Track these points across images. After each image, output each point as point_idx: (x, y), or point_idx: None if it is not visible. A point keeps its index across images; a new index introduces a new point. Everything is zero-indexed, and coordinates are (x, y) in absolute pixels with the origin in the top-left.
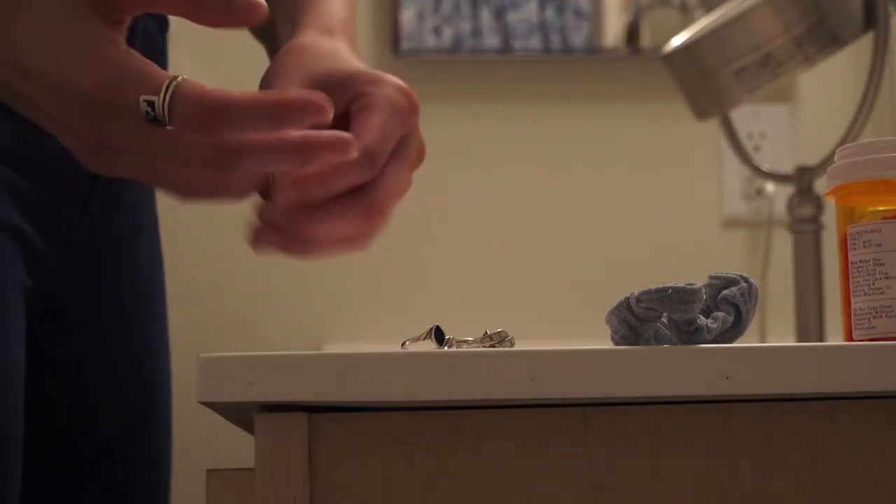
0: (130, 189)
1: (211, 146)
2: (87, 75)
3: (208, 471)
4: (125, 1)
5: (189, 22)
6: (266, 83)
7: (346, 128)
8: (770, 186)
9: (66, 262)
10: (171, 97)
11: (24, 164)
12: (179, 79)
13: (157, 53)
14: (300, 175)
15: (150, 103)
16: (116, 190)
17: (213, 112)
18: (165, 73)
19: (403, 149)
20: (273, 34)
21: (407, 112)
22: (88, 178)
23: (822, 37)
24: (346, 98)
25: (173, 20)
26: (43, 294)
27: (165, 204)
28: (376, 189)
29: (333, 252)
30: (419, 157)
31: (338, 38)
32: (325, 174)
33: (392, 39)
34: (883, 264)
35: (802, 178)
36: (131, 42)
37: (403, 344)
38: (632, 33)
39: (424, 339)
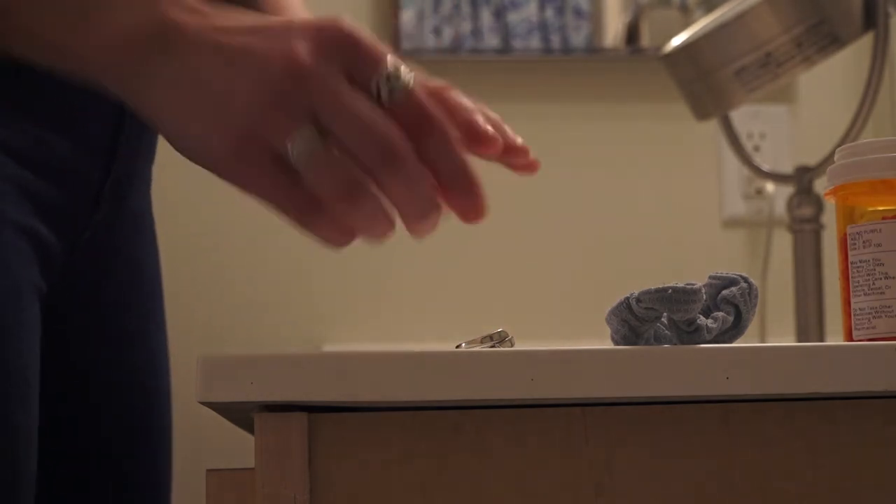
0: (135, 188)
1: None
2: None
3: (208, 471)
4: None
5: None
6: None
7: None
8: (770, 186)
9: (76, 262)
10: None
11: (39, 164)
12: None
13: None
14: None
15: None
16: (125, 189)
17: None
18: None
19: None
20: None
21: None
22: (99, 176)
23: (822, 37)
24: None
25: None
26: (53, 294)
27: (165, 203)
28: None
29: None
30: None
31: None
32: None
33: (392, 39)
34: (883, 264)
35: (802, 178)
36: None
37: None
38: (632, 33)
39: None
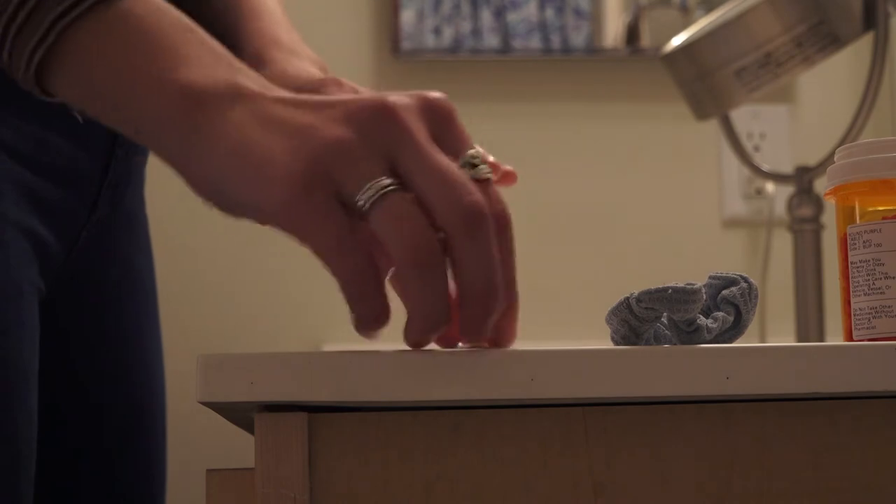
0: (131, 188)
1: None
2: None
3: (208, 471)
4: None
5: None
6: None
7: None
8: (770, 186)
9: (73, 262)
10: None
11: (39, 164)
12: None
13: None
14: None
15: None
16: (122, 189)
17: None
18: None
19: None
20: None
21: None
22: (98, 176)
23: (822, 37)
24: None
25: None
26: (51, 293)
27: (165, 203)
28: None
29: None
30: None
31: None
32: None
33: (392, 39)
34: (883, 264)
35: (802, 178)
36: None
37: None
38: (632, 33)
39: None
